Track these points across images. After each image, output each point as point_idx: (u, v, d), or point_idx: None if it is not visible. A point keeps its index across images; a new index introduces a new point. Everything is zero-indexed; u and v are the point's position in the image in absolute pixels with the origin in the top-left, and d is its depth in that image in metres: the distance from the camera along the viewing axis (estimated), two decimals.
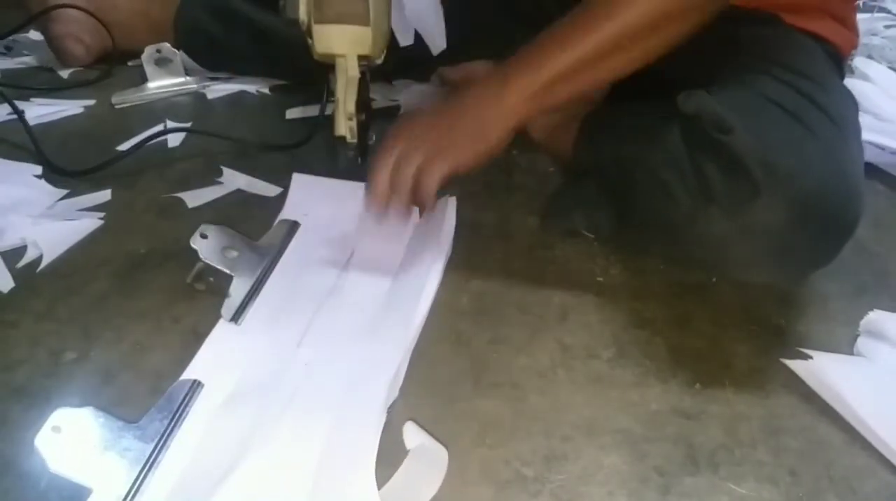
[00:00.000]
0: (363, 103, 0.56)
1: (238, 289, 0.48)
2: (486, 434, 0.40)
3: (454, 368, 0.45)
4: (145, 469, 0.36)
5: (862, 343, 0.48)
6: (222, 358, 0.43)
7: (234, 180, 0.65)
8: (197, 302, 0.50)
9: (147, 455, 0.37)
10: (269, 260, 0.52)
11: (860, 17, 1.08)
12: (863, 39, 0.99)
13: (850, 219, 0.45)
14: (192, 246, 0.49)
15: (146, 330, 0.47)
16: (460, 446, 0.39)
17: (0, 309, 0.49)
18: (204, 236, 0.50)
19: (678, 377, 0.45)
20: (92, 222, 0.58)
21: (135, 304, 0.49)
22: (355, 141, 0.55)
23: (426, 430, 0.40)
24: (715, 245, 0.46)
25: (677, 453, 0.40)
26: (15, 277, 0.52)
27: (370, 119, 0.60)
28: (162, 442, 0.38)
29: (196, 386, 0.41)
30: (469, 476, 0.38)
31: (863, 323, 0.49)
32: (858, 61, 0.90)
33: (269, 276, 0.51)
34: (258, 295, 0.49)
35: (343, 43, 0.53)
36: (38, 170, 0.65)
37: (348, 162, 0.56)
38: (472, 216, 0.60)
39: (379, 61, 0.57)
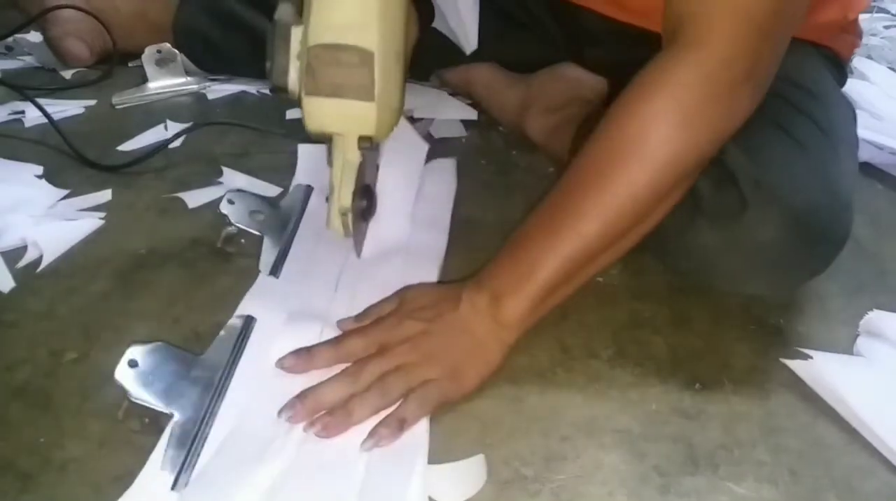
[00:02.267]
0: (365, 187, 0.48)
1: (270, 246, 0.52)
2: (486, 433, 0.40)
3: None
4: (216, 395, 0.40)
5: (861, 342, 0.48)
6: (268, 304, 0.47)
7: (234, 180, 0.65)
8: (198, 302, 0.50)
9: (216, 382, 0.40)
10: (293, 221, 0.55)
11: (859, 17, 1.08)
12: (862, 40, 0.99)
13: (839, 234, 0.46)
14: (222, 211, 0.52)
15: (146, 330, 0.47)
16: (460, 446, 0.39)
17: (0, 309, 0.49)
18: (231, 202, 0.53)
19: (677, 376, 0.45)
20: (92, 222, 0.58)
21: (135, 305, 0.49)
22: (350, 237, 0.48)
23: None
24: (703, 257, 0.46)
25: (677, 453, 0.40)
26: (15, 277, 0.52)
27: (373, 205, 0.51)
28: (227, 371, 0.41)
29: (251, 321, 0.45)
30: None
31: (862, 322, 0.49)
32: (858, 61, 0.90)
33: (295, 234, 0.54)
34: (290, 250, 0.52)
35: (340, 120, 0.44)
36: (39, 170, 0.65)
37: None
38: (472, 215, 0.60)
39: (386, 140, 0.48)
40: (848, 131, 0.51)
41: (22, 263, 0.53)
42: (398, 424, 0.38)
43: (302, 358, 0.41)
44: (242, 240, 0.54)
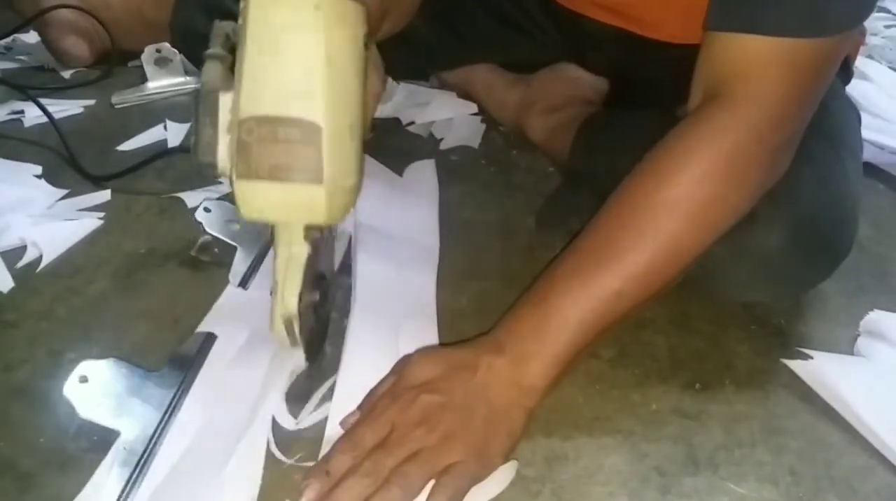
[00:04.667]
0: (319, 276, 0.41)
1: (242, 257, 0.51)
2: None
3: None
4: (168, 413, 0.39)
5: (862, 343, 0.48)
6: (233, 317, 0.46)
7: None
8: (197, 302, 0.49)
9: (169, 400, 0.39)
10: (269, 231, 0.53)
11: None
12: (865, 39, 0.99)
13: (843, 243, 0.46)
14: (197, 218, 0.51)
15: (146, 330, 0.47)
16: None
17: (0, 309, 0.49)
18: (207, 210, 0.51)
19: (678, 377, 0.45)
20: (92, 222, 0.58)
21: (135, 305, 0.49)
22: (298, 346, 0.40)
23: None
24: (709, 267, 0.46)
25: (677, 453, 0.40)
26: (15, 277, 0.52)
27: (329, 295, 0.44)
28: (181, 390, 0.40)
29: (210, 338, 0.44)
30: None
31: (863, 323, 0.49)
32: (859, 61, 0.90)
33: (268, 247, 0.53)
34: (262, 262, 0.51)
35: (282, 208, 0.36)
36: (38, 169, 0.65)
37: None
38: (472, 216, 0.60)
39: (342, 223, 0.40)
40: (852, 138, 0.51)
41: (22, 263, 0.53)
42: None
43: (321, 479, 0.35)
44: (216, 250, 0.54)
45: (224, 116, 0.36)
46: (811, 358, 0.46)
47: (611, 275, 0.39)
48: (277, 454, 0.38)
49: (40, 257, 0.54)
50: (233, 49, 0.36)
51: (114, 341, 0.46)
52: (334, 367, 0.43)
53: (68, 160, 0.66)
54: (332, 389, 0.41)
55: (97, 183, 0.63)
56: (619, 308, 0.39)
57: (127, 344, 0.46)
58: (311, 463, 0.38)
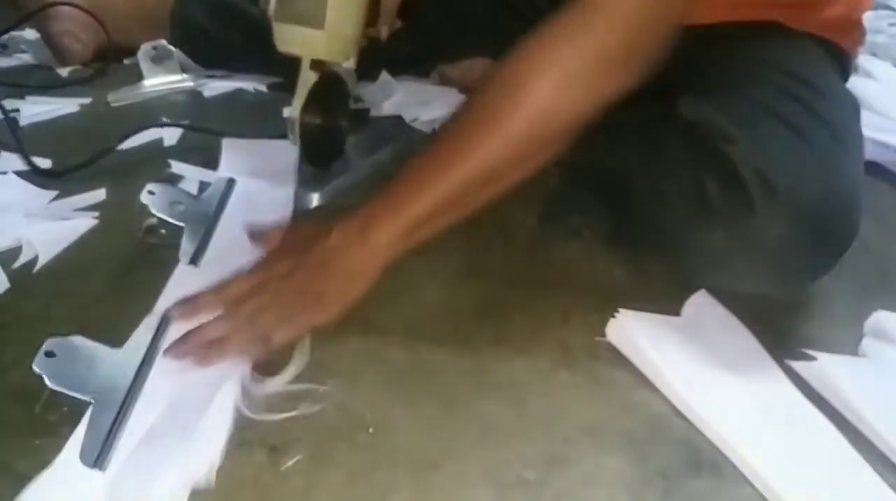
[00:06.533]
0: (333, 108, 0.56)
1: (191, 237, 0.53)
2: (487, 436, 0.40)
3: (455, 369, 0.44)
4: (134, 383, 0.41)
5: (866, 344, 0.48)
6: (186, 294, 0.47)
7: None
8: None
9: (135, 370, 0.41)
10: (214, 211, 0.57)
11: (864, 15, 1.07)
12: (867, 37, 0.98)
13: (846, 233, 0.45)
14: (143, 201, 0.53)
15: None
16: (461, 448, 0.39)
17: None
18: (152, 193, 0.53)
19: None
20: (87, 222, 0.57)
21: (131, 305, 0.49)
22: (297, 145, 0.56)
23: (426, 433, 0.39)
24: (712, 257, 0.45)
25: (680, 456, 0.39)
26: (10, 278, 0.51)
27: (345, 124, 0.59)
28: (145, 362, 0.42)
29: (166, 319, 0.46)
30: (470, 479, 0.37)
31: (867, 323, 0.49)
32: (862, 59, 0.90)
33: (216, 224, 0.55)
34: (210, 240, 0.53)
35: (299, 44, 0.52)
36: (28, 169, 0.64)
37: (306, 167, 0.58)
38: (472, 215, 0.60)
39: (348, 65, 0.56)
40: (853, 127, 0.51)
41: (17, 264, 0.53)
42: (263, 340, 0.42)
43: (187, 305, 0.44)
44: (163, 231, 0.55)
45: None
46: (815, 359, 0.45)
47: (459, 158, 0.44)
48: (244, 410, 0.40)
49: (36, 258, 0.53)
50: None
51: (111, 342, 0.45)
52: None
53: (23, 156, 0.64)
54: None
55: (51, 178, 0.63)
56: (463, 189, 0.44)
57: (124, 344, 0.45)
58: (278, 415, 0.40)
